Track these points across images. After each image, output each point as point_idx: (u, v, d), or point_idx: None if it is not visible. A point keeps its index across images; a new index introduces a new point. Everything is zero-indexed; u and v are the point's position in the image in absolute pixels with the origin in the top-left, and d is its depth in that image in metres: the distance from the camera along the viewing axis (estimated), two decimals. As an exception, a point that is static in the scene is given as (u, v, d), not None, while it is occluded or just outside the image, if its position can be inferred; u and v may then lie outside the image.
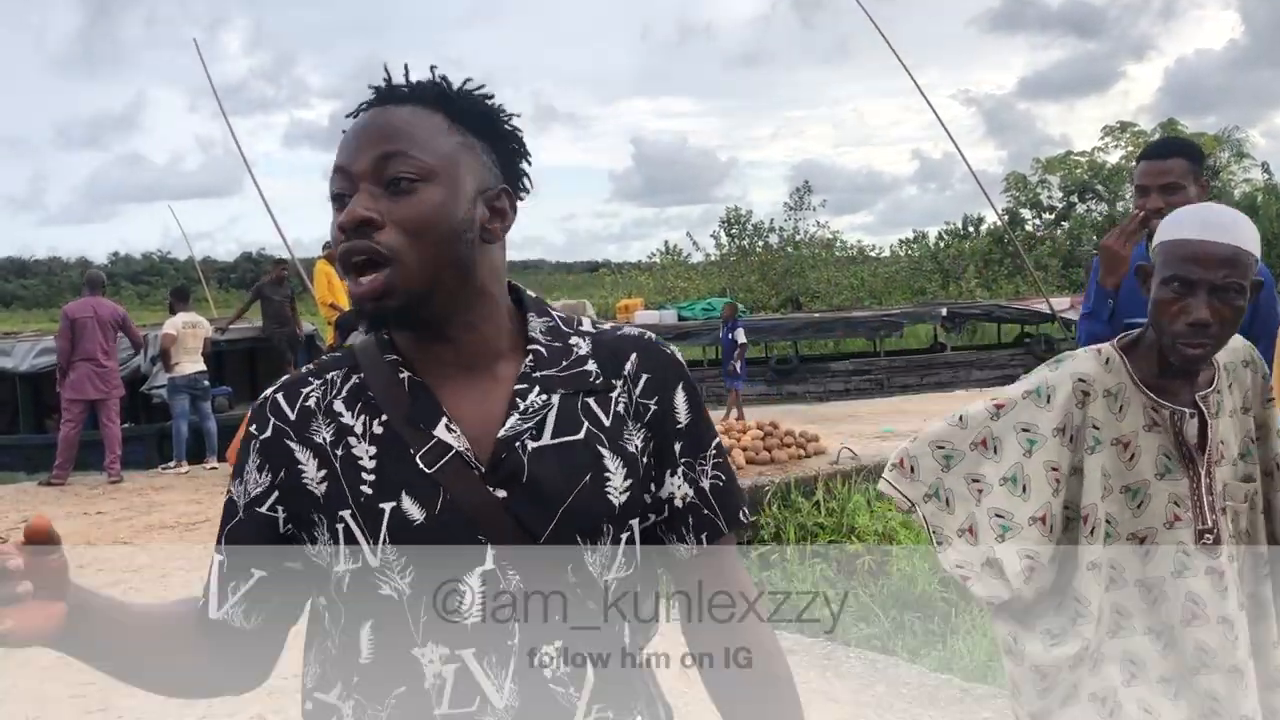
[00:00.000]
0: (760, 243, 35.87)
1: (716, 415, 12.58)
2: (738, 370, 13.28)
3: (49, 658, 4.69)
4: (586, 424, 1.14)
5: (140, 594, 5.73)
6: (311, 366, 1.21)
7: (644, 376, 1.18)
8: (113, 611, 1.14)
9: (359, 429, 1.13)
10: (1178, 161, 2.96)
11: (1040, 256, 30.67)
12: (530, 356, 1.15)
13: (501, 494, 1.10)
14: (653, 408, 1.17)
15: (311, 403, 1.17)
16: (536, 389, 1.13)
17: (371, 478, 1.11)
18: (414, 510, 1.09)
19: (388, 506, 1.09)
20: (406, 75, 1.17)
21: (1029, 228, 34.38)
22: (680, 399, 1.19)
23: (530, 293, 1.24)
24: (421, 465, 1.10)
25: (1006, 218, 29.84)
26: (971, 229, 36.60)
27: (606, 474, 1.13)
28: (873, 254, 38.91)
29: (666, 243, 42.13)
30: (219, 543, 1.19)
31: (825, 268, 34.58)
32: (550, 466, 1.11)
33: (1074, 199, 34.54)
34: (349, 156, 1.12)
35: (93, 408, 9.47)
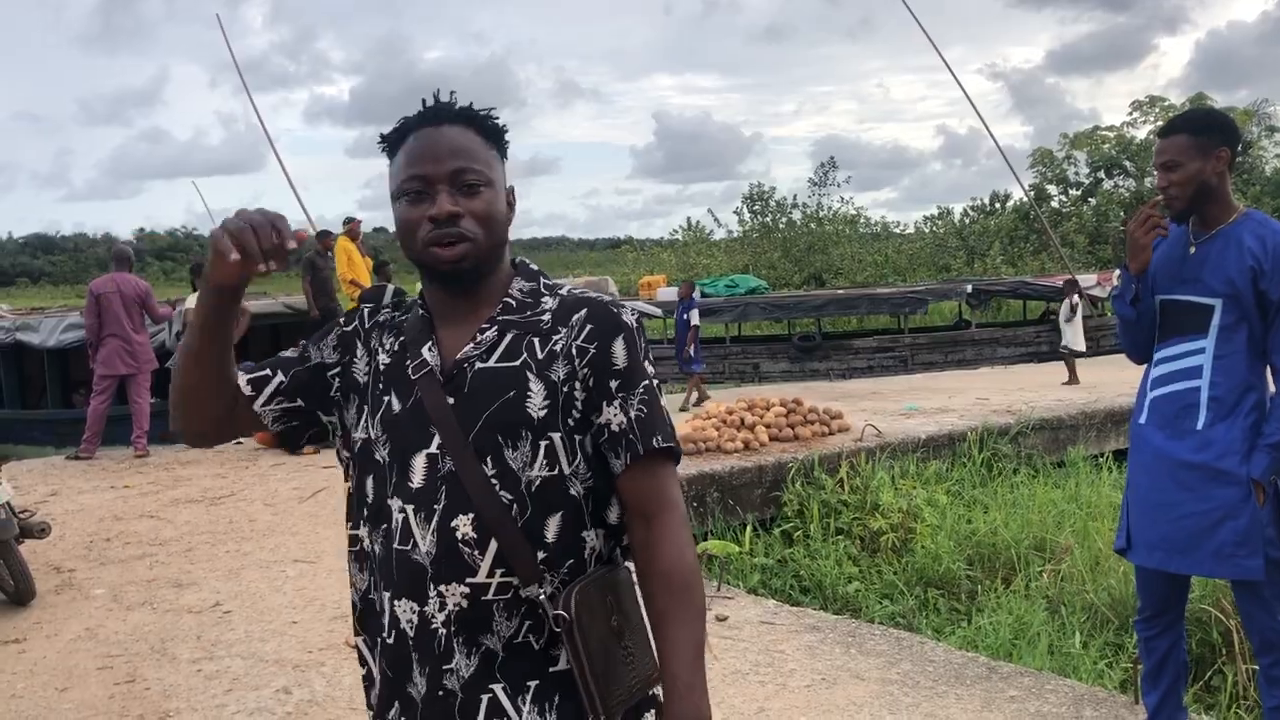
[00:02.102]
0: (784, 219, 35.67)
1: (676, 400, 12.41)
2: (691, 354, 12.62)
3: (76, 629, 4.74)
4: (524, 355, 1.51)
5: (166, 567, 5.77)
6: (391, 302, 1.66)
7: (588, 327, 1.53)
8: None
9: (388, 345, 1.58)
10: (1177, 138, 2.95)
11: (1067, 233, 30.36)
12: (500, 307, 1.55)
13: (451, 400, 1.50)
14: (591, 350, 1.51)
15: (379, 319, 1.63)
16: (494, 328, 1.53)
17: (383, 378, 1.56)
18: (395, 404, 1.53)
19: (385, 399, 1.54)
20: (442, 100, 1.58)
21: (1055, 204, 34.00)
22: (618, 347, 1.52)
23: (532, 265, 1.64)
24: (411, 373, 1.53)
25: (1033, 194, 29.52)
26: (997, 205, 36.27)
27: (529, 393, 1.49)
28: (897, 230, 38.73)
29: (689, 219, 41.96)
30: (273, 364, 1.62)
31: (849, 244, 34.39)
32: (486, 381, 1.50)
33: (1101, 175, 34.11)
34: (431, 167, 1.52)
35: (122, 383, 9.53)
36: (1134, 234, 2.99)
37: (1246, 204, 3.09)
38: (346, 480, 1.61)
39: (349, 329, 1.63)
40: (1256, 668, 3.12)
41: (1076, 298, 13.18)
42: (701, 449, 8.43)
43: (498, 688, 1.47)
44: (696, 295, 13.98)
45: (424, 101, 1.58)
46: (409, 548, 1.47)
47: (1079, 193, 34.34)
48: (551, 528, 1.48)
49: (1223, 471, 2.89)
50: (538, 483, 1.47)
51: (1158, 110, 33.97)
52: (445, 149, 1.52)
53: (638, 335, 1.55)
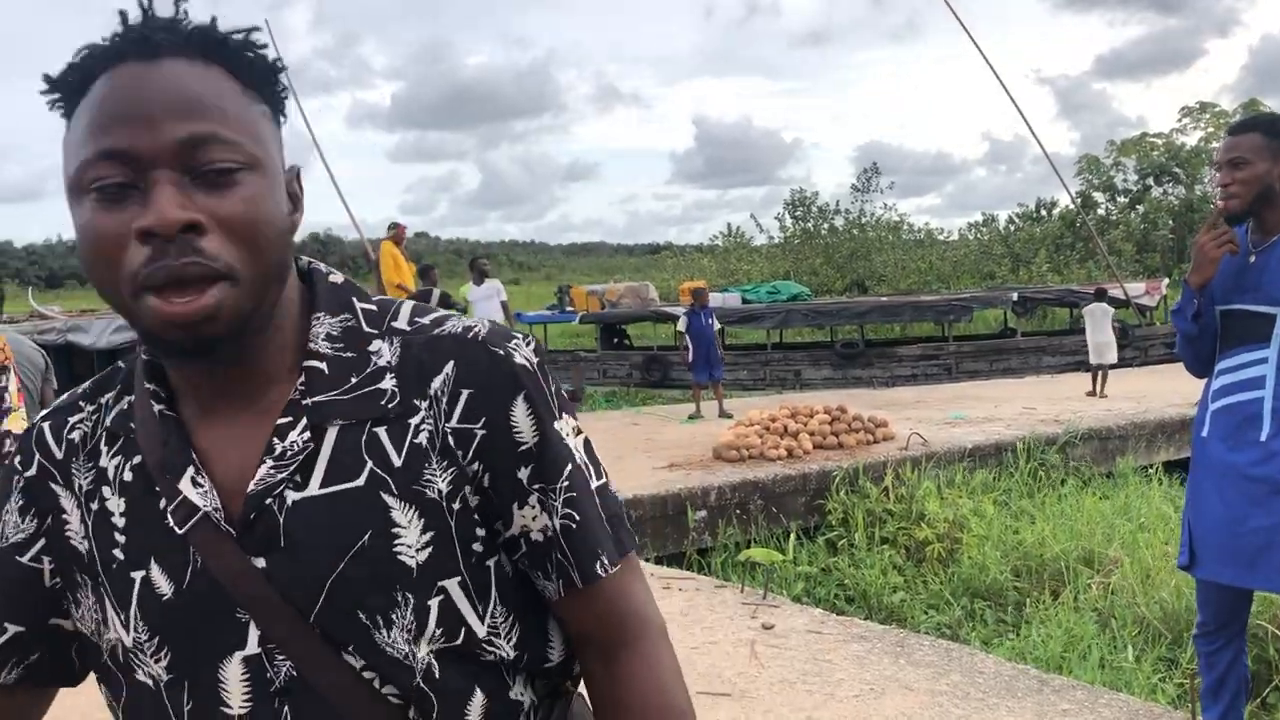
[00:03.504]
0: (825, 225, 35.55)
1: (687, 409, 12.43)
2: (714, 360, 11.58)
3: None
4: (370, 464, 0.89)
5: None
6: (88, 386, 1.01)
7: (463, 394, 0.91)
8: None
9: (112, 474, 0.93)
10: (1251, 136, 2.90)
11: (1114, 241, 29.99)
12: (303, 376, 0.91)
13: (260, 562, 0.88)
14: (478, 433, 0.91)
15: (77, 436, 0.97)
16: (303, 423, 0.89)
17: (123, 539, 0.92)
18: (162, 582, 0.90)
19: (138, 576, 0.91)
20: (150, 11, 0.87)
21: (1102, 211, 33.61)
22: (520, 415, 0.92)
23: (334, 275, 0.99)
24: (172, 525, 0.90)
25: (1079, 201, 29.19)
26: (1043, 212, 35.90)
27: (395, 529, 0.89)
28: (940, 237, 38.38)
29: (729, 225, 41.93)
30: None
31: (892, 251, 34.20)
32: (314, 526, 0.88)
33: (1150, 182, 33.67)
34: (138, 136, 0.82)
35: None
36: (1204, 246, 2.92)
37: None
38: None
39: (30, 473, 0.97)
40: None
41: (1090, 309, 12.94)
42: (745, 456, 8.42)
43: None
44: (718, 301, 13.83)
45: (123, 15, 0.87)
46: None
47: (1126, 200, 33.93)
48: (473, 714, 0.92)
49: (1290, 483, 2.83)
50: (438, 663, 0.90)
51: (1208, 116, 33.50)
52: (164, 102, 0.83)
53: (544, 382, 0.95)
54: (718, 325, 12.58)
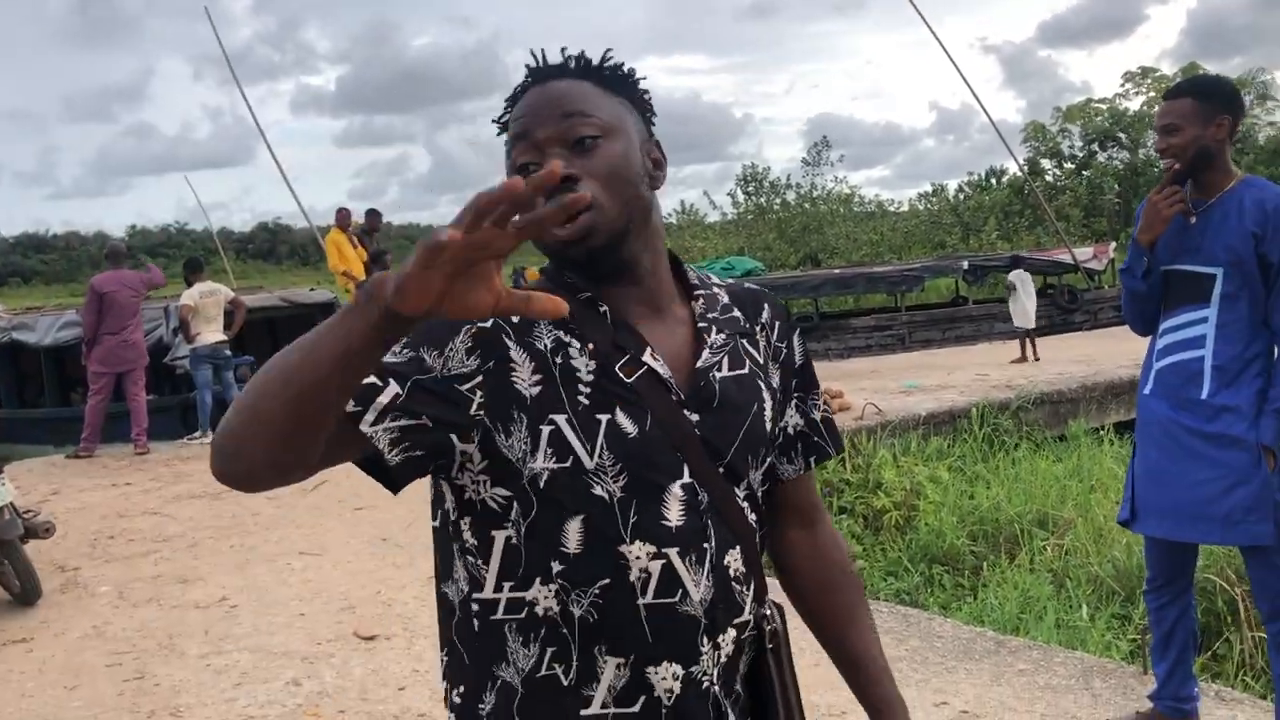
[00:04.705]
0: (778, 200, 35.60)
1: None
2: None
3: (83, 627, 4.74)
4: (748, 360, 1.31)
5: (171, 563, 5.77)
6: (527, 286, 1.30)
7: (776, 323, 1.37)
8: None
9: (576, 345, 1.22)
10: (1183, 101, 2.95)
11: (1061, 206, 30.33)
12: (701, 301, 1.31)
13: (694, 417, 1.23)
14: (783, 349, 1.37)
15: (508, 322, 1.22)
16: (714, 329, 1.30)
17: (588, 390, 1.20)
18: (627, 424, 1.20)
19: (603, 418, 1.20)
20: (544, 57, 1.29)
21: (1049, 178, 33.96)
22: (796, 343, 1.39)
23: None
24: (633, 386, 1.21)
25: (1027, 168, 29.48)
26: (992, 181, 36.22)
27: (763, 404, 1.30)
28: (891, 209, 38.62)
29: (683, 202, 41.76)
30: (392, 374, 1.14)
31: (844, 223, 34.32)
32: (730, 396, 1.27)
33: (1095, 148, 34.07)
34: (531, 124, 1.22)
35: (118, 380, 9.52)
36: (1156, 204, 2.96)
37: (1244, 172, 3.08)
38: (466, 532, 1.24)
39: (485, 325, 1.20)
40: (1264, 635, 3.12)
41: (1011, 276, 13.23)
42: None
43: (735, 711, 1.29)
44: None
45: (527, 66, 1.29)
46: (675, 599, 1.20)
47: (1073, 166, 34.31)
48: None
49: (1231, 438, 2.89)
50: (760, 496, 1.34)
51: (1150, 81, 33.92)
52: (548, 102, 1.22)
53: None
54: None
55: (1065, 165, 34.58)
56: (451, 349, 1.17)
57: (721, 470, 1.24)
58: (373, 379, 1.13)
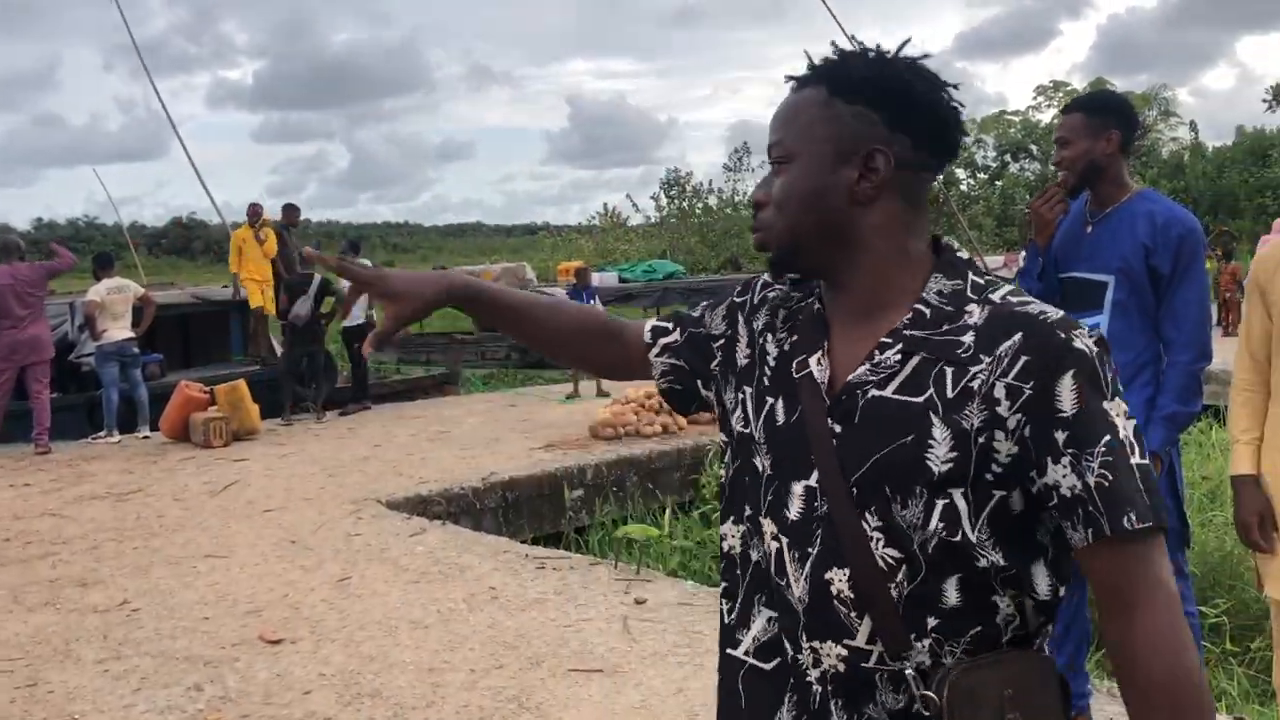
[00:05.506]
0: (700, 204, 35.82)
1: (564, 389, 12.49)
2: None
3: (-25, 633, 4.57)
4: (931, 390, 1.18)
5: (70, 566, 5.59)
6: (795, 278, 1.39)
7: (1023, 359, 1.15)
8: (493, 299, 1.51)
9: (778, 334, 1.35)
10: (1074, 116, 3.11)
11: (975, 216, 31.04)
12: (910, 314, 1.23)
13: (837, 428, 1.22)
14: (1026, 391, 1.14)
15: (771, 296, 1.40)
16: (898, 347, 1.22)
17: (769, 374, 1.32)
18: (780, 413, 1.28)
19: (769, 401, 1.30)
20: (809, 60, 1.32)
21: (964, 187, 34.73)
22: (1066, 387, 1.14)
23: (962, 253, 1.29)
24: (798, 381, 1.28)
25: (941, 177, 30.04)
26: (908, 189, 36.82)
27: (930, 441, 1.16)
28: (811, 214, 39.01)
29: (606, 205, 41.85)
30: (679, 322, 1.49)
31: (764, 228, 34.59)
32: (879, 417, 1.20)
33: (1008, 158, 34.95)
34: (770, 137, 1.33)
35: (21, 377, 9.21)
36: (1039, 209, 3.12)
37: (1144, 185, 3.20)
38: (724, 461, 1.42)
39: (739, 300, 1.42)
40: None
41: None
42: (621, 434, 8.46)
43: None
44: (596, 280, 13.79)
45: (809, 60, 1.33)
46: (784, 584, 1.25)
47: (986, 176, 35.15)
48: (950, 594, 1.18)
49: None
50: (934, 545, 1.17)
51: (1061, 94, 34.94)
52: (772, 124, 1.32)
53: (1100, 368, 1.15)
54: (599, 305, 12.54)
55: (979, 175, 35.40)
56: (718, 313, 1.45)
57: (855, 490, 1.19)
58: (667, 323, 1.49)
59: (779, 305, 1.37)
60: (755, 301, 1.40)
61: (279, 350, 11.90)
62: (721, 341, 1.42)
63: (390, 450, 8.68)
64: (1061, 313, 1.18)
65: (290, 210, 12.67)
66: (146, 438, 9.78)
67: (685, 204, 35.97)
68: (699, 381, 1.45)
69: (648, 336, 1.49)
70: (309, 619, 4.55)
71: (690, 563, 6.61)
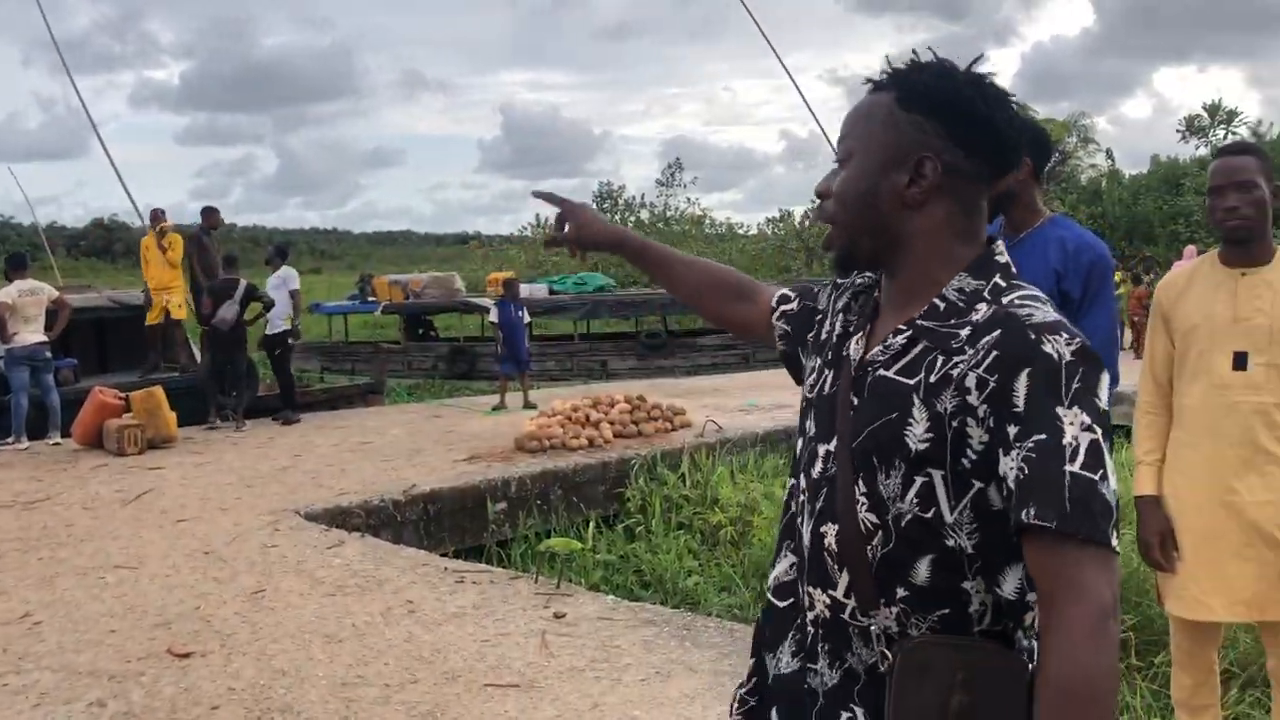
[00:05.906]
0: (632, 218, 35.94)
1: (492, 400, 12.45)
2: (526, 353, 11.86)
3: None
4: (923, 374, 1.29)
5: (-29, 577, 5.40)
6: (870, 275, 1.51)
7: (994, 353, 1.23)
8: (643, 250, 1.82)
9: (847, 315, 1.48)
10: None
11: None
12: (927, 307, 1.34)
13: (854, 400, 1.35)
14: (991, 383, 1.22)
15: (857, 282, 1.52)
16: (907, 334, 1.33)
17: (831, 349, 1.46)
18: (827, 385, 1.43)
19: (826, 373, 1.44)
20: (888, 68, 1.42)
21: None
22: (1021, 384, 1.20)
23: (1000, 256, 1.36)
24: (844, 356, 1.41)
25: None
26: (837, 208, 37.28)
27: (910, 420, 1.28)
28: (741, 232, 39.44)
29: (538, 215, 41.69)
30: (800, 293, 1.65)
31: (695, 244, 34.81)
32: (879, 392, 1.33)
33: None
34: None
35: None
36: None
37: (1063, 211, 3.27)
38: None
39: (840, 283, 1.56)
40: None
41: None
42: (546, 446, 8.43)
43: (859, 711, 1.32)
44: (525, 292, 13.83)
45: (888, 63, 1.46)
46: (801, 534, 1.42)
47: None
48: (921, 570, 1.26)
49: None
50: (907, 519, 1.27)
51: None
52: (845, 121, 1.46)
53: (1065, 373, 1.19)
54: (527, 317, 12.44)
55: (907, 196, 35.94)
56: (825, 291, 1.58)
57: (851, 458, 1.33)
58: (790, 293, 1.66)
59: (858, 291, 1.51)
60: (845, 285, 1.54)
61: (198, 356, 11.66)
62: (820, 316, 1.56)
63: (310, 460, 8.54)
64: (1055, 318, 1.25)
65: (210, 213, 12.37)
66: (57, 444, 9.50)
67: (618, 217, 36.05)
68: (800, 349, 1.60)
69: (774, 302, 1.67)
70: (220, 632, 4.45)
71: (613, 576, 6.60)
